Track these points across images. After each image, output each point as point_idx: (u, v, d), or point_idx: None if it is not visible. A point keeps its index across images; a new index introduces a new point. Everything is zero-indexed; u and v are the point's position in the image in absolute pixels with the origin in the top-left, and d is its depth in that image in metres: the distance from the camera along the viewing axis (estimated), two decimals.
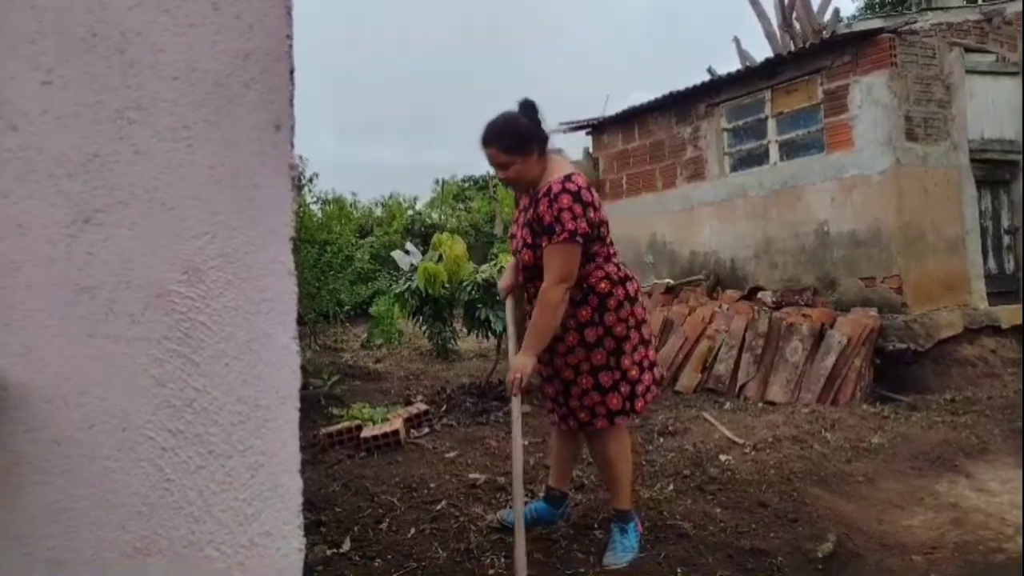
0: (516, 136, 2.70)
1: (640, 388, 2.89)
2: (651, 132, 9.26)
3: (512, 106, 2.83)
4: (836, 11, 12.67)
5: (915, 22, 7.13)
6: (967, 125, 7.25)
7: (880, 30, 6.88)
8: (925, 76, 7.05)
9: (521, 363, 2.66)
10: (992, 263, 7.38)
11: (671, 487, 4.16)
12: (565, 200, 2.64)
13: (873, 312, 6.36)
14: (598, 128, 10.12)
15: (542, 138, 2.78)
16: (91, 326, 1.03)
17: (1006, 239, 7.56)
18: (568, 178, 2.71)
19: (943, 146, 7.07)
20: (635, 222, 9.36)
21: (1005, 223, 7.58)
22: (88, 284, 1.03)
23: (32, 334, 0.99)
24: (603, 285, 2.79)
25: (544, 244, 2.65)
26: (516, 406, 2.74)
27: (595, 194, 2.79)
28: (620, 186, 9.73)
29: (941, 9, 7.84)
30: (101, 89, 1.04)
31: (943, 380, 6.16)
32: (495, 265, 6.52)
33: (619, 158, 9.77)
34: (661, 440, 4.98)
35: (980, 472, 4.22)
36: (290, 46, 1.19)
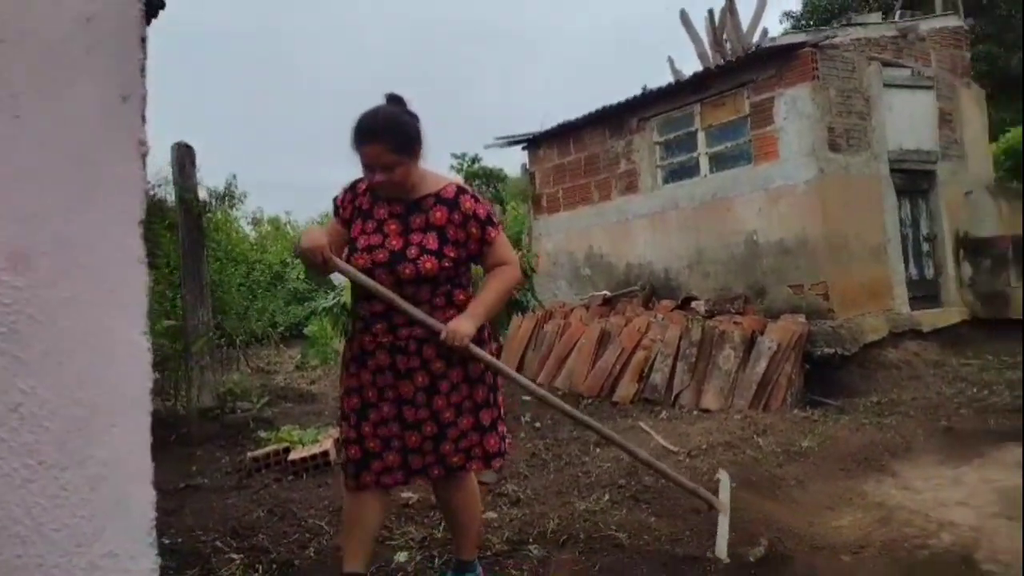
0: (408, 134, 2.37)
1: (504, 428, 2.63)
2: (586, 146, 9.33)
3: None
4: (764, 31, 13.06)
5: (835, 37, 7.37)
6: (886, 136, 7.52)
7: (803, 44, 7.09)
8: (846, 89, 7.28)
9: (466, 329, 2.34)
10: (913, 269, 7.63)
11: (607, 497, 4.12)
12: (484, 200, 2.54)
13: (801, 318, 6.48)
14: (534, 143, 10.14)
15: (422, 139, 2.45)
16: None
17: (925, 246, 7.84)
18: None
19: (864, 156, 7.31)
20: (572, 235, 9.38)
21: (924, 230, 7.86)
22: None
23: None
24: None
25: (493, 235, 2.46)
26: (483, 352, 2.46)
27: None
28: (557, 200, 9.75)
29: (860, 25, 8.15)
30: None
31: (869, 383, 6.31)
32: None
33: (555, 172, 9.80)
34: (597, 451, 4.92)
35: (905, 471, 4.29)
36: (142, 10, 1.08)
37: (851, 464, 4.51)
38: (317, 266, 2.34)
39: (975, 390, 5.78)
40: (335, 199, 2.58)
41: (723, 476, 3.46)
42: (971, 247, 7.83)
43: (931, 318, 7.29)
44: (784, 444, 4.93)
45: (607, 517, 3.76)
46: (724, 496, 3.25)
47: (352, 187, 2.54)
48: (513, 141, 10.34)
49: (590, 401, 6.65)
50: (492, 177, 23.82)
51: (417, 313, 2.35)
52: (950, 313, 7.57)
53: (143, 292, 1.03)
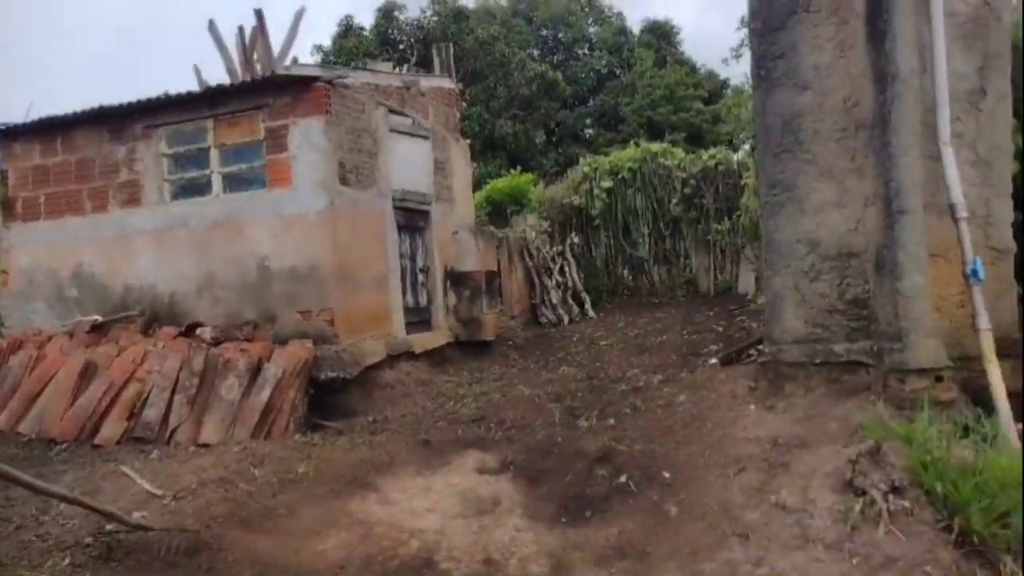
0: None
1: None
2: (79, 147, 8.09)
3: None
4: (295, 59, 13.20)
5: (348, 77, 7.82)
6: (391, 176, 8.26)
7: (317, 78, 7.33)
8: (357, 128, 7.78)
9: None
10: (410, 297, 8.52)
11: (67, 561, 3.56)
12: None
13: (309, 344, 6.62)
14: (8, 135, 8.38)
15: None
16: None
17: (420, 277, 8.83)
18: None
19: (372, 192, 7.90)
20: (55, 249, 8.01)
21: (420, 263, 8.86)
22: None
23: None
24: None
25: None
26: None
27: None
28: (37, 206, 8.22)
29: (371, 71, 8.83)
30: None
31: (367, 403, 6.76)
32: None
33: (36, 173, 8.26)
34: (61, 507, 4.19)
35: (386, 486, 4.65)
36: None
37: (341, 485, 4.71)
38: None
39: (451, 403, 6.66)
40: None
41: None
42: (454, 279, 9.12)
43: (423, 341, 8.21)
44: (281, 472, 4.92)
45: None
46: None
47: None
48: None
49: (65, 446, 5.69)
50: None
51: None
52: (438, 336, 8.66)
53: None
